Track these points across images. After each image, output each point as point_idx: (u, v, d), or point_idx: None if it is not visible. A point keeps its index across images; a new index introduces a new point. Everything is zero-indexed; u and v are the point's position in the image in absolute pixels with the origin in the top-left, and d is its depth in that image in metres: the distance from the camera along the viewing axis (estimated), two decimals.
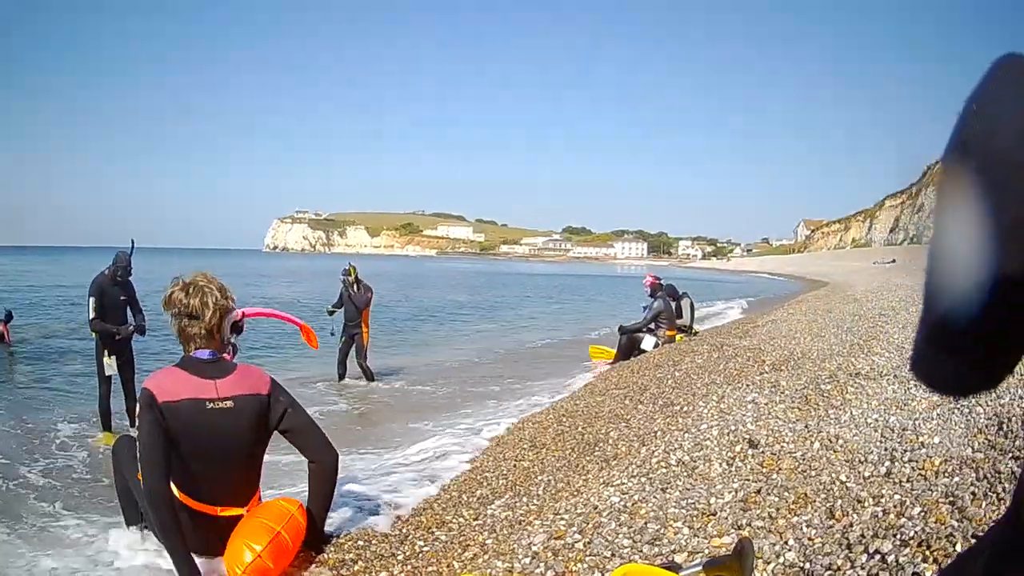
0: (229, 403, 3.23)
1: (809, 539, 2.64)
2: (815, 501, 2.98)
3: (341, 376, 10.32)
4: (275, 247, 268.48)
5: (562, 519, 3.46)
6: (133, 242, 7.45)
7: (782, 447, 3.83)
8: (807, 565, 2.45)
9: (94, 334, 7.09)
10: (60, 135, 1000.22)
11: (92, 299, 6.97)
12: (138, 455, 3.07)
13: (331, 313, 10.45)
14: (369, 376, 10.19)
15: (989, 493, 2.62)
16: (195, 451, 3.19)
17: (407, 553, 3.58)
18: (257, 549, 3.21)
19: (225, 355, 3.38)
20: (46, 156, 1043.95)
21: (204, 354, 3.29)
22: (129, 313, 7.29)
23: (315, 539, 3.59)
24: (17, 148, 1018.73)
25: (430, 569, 3.34)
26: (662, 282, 11.59)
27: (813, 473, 3.35)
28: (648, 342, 10.65)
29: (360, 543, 3.73)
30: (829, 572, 2.37)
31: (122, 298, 7.18)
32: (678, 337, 11.08)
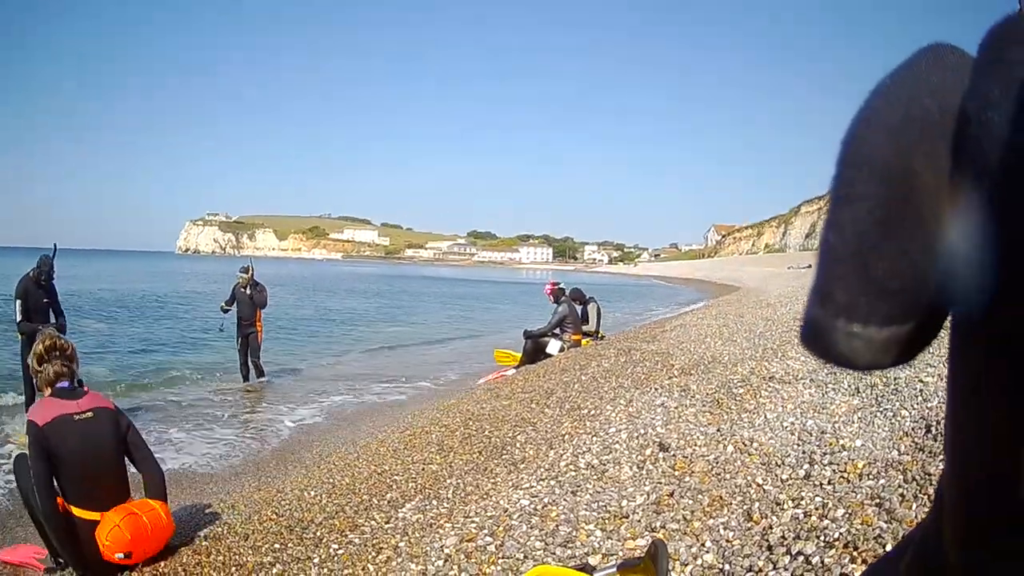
0: (89, 414, 3.85)
1: (727, 541, 2.73)
2: (731, 504, 3.07)
3: (245, 377, 10.36)
4: (187, 249, 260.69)
5: (473, 522, 3.58)
6: (55, 246, 7.60)
7: (694, 450, 3.95)
8: (727, 567, 2.55)
9: (20, 335, 7.28)
10: None
11: (18, 301, 7.20)
12: (32, 479, 3.67)
13: (225, 311, 10.43)
14: (260, 372, 10.27)
15: (920, 495, 2.67)
16: (72, 459, 3.73)
17: (323, 556, 3.65)
18: (116, 519, 3.73)
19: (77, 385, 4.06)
20: None
21: (66, 384, 3.95)
22: (51, 314, 7.46)
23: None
24: None
25: (346, 572, 3.42)
26: (563, 287, 11.66)
27: (727, 476, 3.44)
28: (553, 346, 10.71)
29: (276, 546, 3.81)
30: (751, 574, 2.47)
31: (45, 300, 7.36)
32: (584, 342, 11.15)
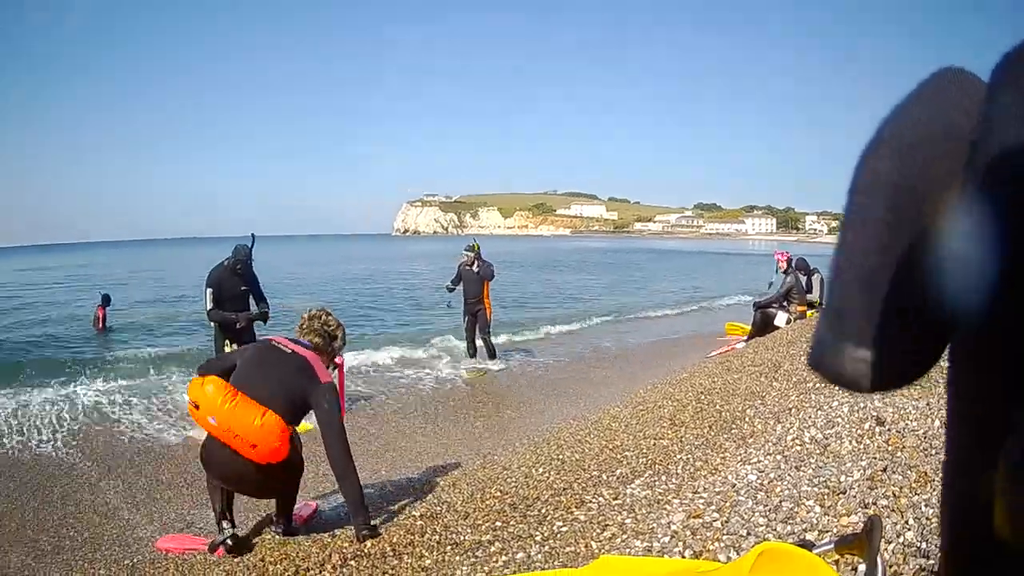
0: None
1: (927, 518, 2.56)
2: (934, 480, 2.87)
3: (472, 354, 10.49)
4: (405, 231, 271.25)
5: (701, 498, 3.47)
6: (253, 235, 7.88)
7: (906, 424, 3.71)
8: (923, 545, 2.40)
9: (213, 324, 7.54)
10: (174, 128, 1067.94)
11: (209, 290, 7.38)
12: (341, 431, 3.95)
13: (450, 290, 10.54)
14: (491, 352, 10.34)
15: None
16: None
17: (545, 534, 3.63)
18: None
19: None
20: (160, 149, 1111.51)
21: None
22: (252, 301, 7.67)
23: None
24: (118, 144, 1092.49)
25: (568, 549, 3.38)
26: (792, 257, 11.30)
27: (933, 451, 3.23)
28: (780, 318, 10.45)
29: (498, 524, 3.84)
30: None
31: (242, 288, 7.54)
32: (808, 313, 10.75)
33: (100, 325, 15.32)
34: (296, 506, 4.37)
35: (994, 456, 0.52)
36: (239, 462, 3.80)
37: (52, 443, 6.65)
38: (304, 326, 4.23)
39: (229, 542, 3.95)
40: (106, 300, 15.77)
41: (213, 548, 3.96)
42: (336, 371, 4.29)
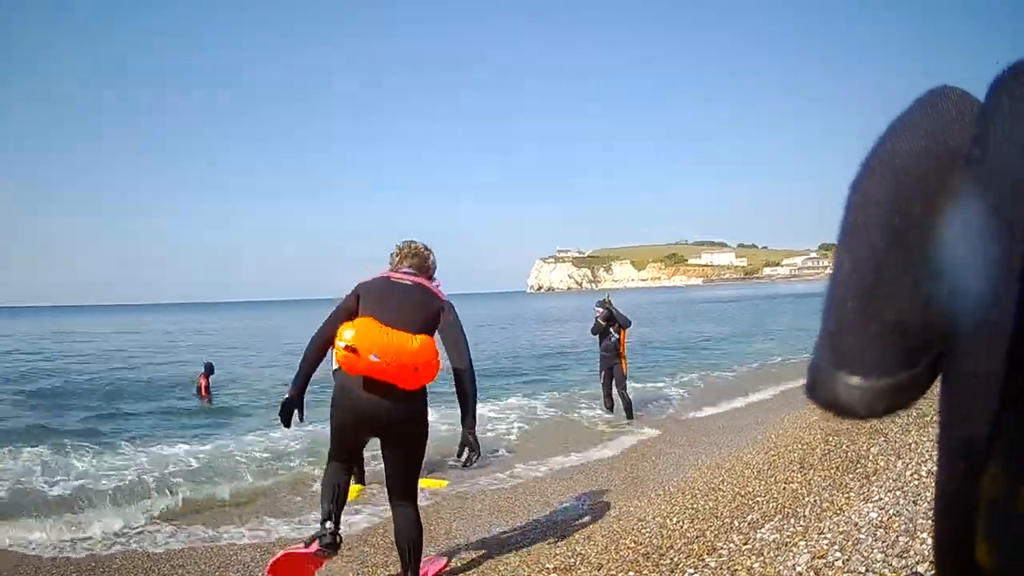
0: None
1: None
2: None
3: (610, 408, 10.49)
4: (539, 287, 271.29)
5: (825, 538, 3.53)
6: None
7: None
8: None
9: None
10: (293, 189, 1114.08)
11: None
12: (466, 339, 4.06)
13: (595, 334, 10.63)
14: (628, 407, 10.23)
15: None
16: None
17: None
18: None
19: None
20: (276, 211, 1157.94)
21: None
22: None
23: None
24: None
25: None
26: None
27: None
28: None
29: (631, 574, 3.93)
30: None
31: None
32: None
33: (204, 394, 14.55)
34: (424, 562, 4.38)
35: (976, 486, 0.55)
36: (390, 397, 3.88)
37: None
38: (398, 255, 4.41)
39: (327, 538, 4.08)
40: (209, 369, 15.09)
41: (309, 541, 4.08)
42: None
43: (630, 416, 10.09)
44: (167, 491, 6.67)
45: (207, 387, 14.59)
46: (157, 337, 39.29)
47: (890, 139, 0.62)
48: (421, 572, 4.23)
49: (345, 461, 4.29)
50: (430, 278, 4.42)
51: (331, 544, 4.15)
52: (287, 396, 4.03)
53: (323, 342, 4.01)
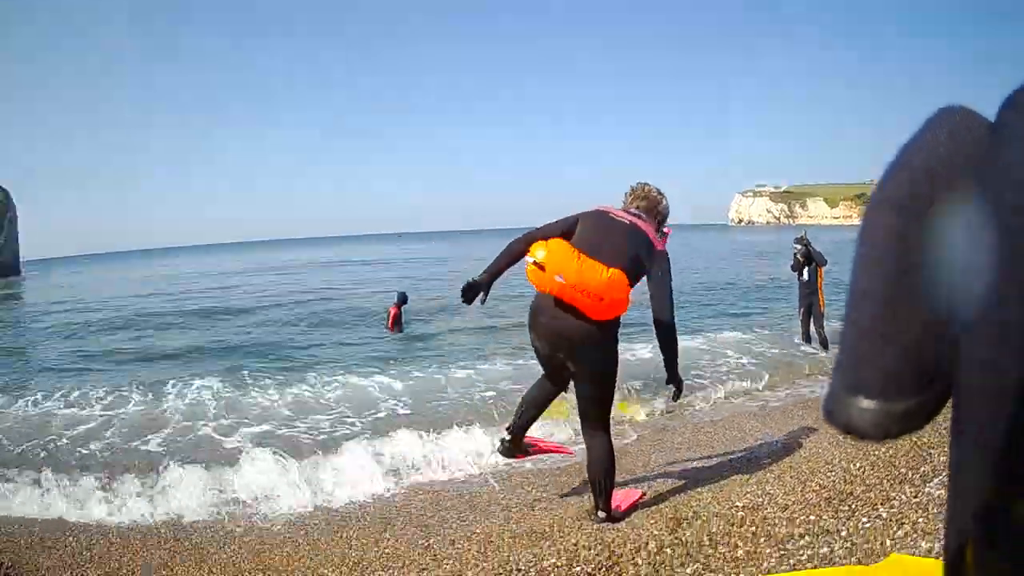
0: None
1: None
2: None
3: (807, 340, 10.62)
4: (740, 220, 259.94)
5: None
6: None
7: None
8: None
9: None
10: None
11: None
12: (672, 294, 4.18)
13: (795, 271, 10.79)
14: (824, 342, 10.25)
15: None
16: None
17: (850, 529, 3.78)
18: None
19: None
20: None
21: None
22: None
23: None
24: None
25: (865, 546, 3.53)
26: None
27: None
28: None
29: (811, 518, 3.99)
30: None
31: None
32: None
33: (392, 325, 14.78)
34: (619, 494, 4.55)
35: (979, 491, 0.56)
36: (577, 320, 3.95)
37: None
38: (630, 195, 4.45)
39: (500, 446, 4.72)
40: (402, 299, 15.10)
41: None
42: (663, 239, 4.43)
43: (825, 347, 10.12)
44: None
45: (396, 317, 14.78)
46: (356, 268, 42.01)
47: (899, 168, 0.64)
48: (615, 504, 4.42)
49: (548, 379, 4.55)
50: (659, 223, 4.44)
51: (503, 451, 4.74)
52: (474, 279, 4.25)
53: (527, 243, 4.12)
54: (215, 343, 14.85)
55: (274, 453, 6.07)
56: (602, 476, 4.29)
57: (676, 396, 4.31)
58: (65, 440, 7.44)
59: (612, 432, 4.35)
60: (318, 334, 15.51)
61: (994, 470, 0.55)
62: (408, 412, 7.95)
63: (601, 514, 4.35)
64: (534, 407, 4.65)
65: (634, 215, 4.25)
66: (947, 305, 0.58)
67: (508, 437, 4.70)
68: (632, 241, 4.08)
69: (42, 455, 6.98)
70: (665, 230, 4.42)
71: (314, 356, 12.62)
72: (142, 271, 58.18)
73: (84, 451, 7.03)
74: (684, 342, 9.76)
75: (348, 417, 7.84)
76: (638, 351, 9.80)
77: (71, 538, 4.83)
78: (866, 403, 0.62)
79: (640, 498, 4.72)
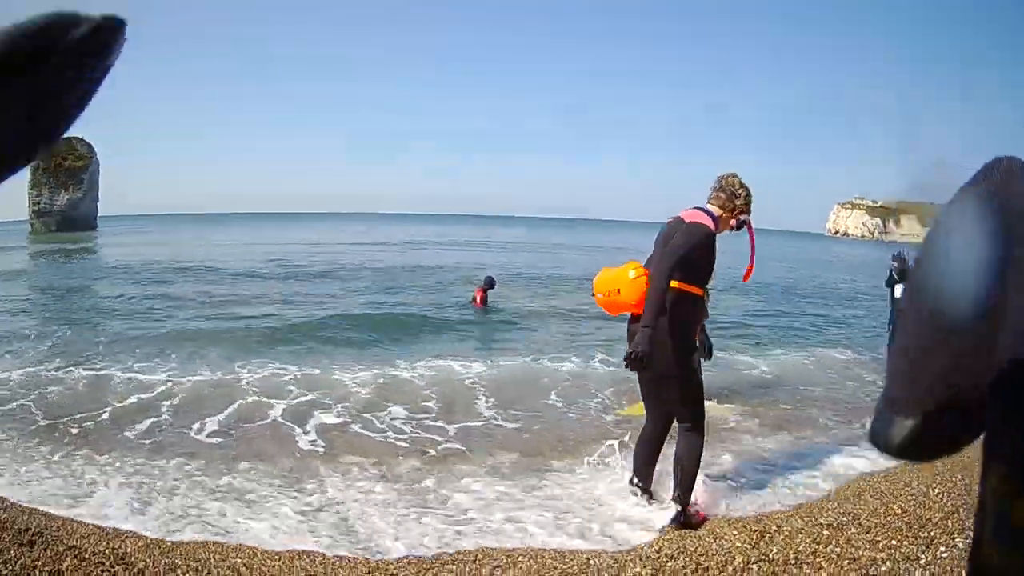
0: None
1: None
2: None
3: None
4: (836, 231, 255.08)
5: None
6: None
7: None
8: None
9: None
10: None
11: None
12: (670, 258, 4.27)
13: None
14: None
15: None
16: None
17: (928, 558, 3.81)
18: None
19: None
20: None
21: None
22: None
23: None
24: None
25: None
26: None
27: None
28: None
29: (893, 543, 4.00)
30: None
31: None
32: None
33: (479, 303, 15.02)
34: (699, 504, 4.67)
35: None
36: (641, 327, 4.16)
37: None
38: (714, 186, 4.59)
39: (632, 489, 4.79)
40: (489, 283, 15.29)
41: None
42: (745, 229, 4.62)
43: None
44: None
45: (483, 299, 15.16)
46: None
47: (951, 209, 0.61)
48: (693, 511, 4.59)
49: (649, 413, 4.76)
50: (736, 211, 4.56)
51: (635, 492, 4.82)
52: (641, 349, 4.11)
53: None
54: (296, 314, 14.79)
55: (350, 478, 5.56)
56: (681, 470, 4.50)
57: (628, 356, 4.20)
58: (117, 414, 7.33)
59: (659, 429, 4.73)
60: (403, 316, 15.04)
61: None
62: (509, 424, 7.32)
63: (676, 507, 4.52)
64: (644, 454, 4.88)
65: (700, 209, 4.43)
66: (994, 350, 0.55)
67: (633, 481, 4.86)
68: (671, 234, 4.34)
69: (90, 427, 6.90)
70: (743, 218, 4.57)
71: (400, 338, 12.36)
72: (224, 236, 59.08)
73: (131, 432, 6.79)
74: (790, 356, 10.55)
75: (436, 419, 7.36)
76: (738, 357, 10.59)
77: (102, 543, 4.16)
78: (908, 422, 0.58)
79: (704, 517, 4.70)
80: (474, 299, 15.37)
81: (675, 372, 4.36)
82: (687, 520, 4.49)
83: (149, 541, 4.19)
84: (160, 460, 5.95)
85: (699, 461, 4.51)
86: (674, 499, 4.54)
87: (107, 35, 0.43)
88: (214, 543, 4.23)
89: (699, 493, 4.79)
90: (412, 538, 4.48)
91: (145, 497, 5.09)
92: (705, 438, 4.62)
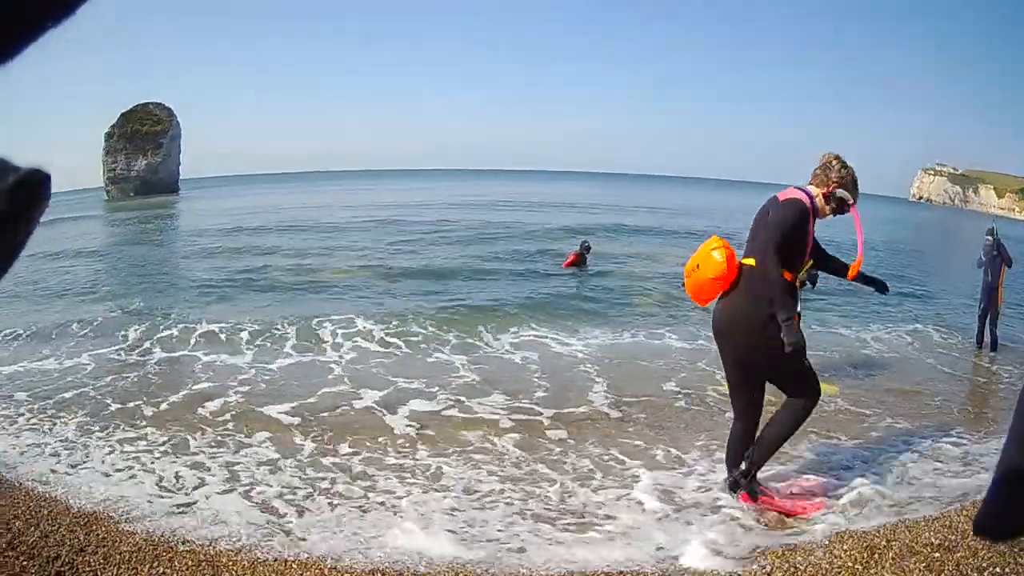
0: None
1: None
2: None
3: (979, 343, 10.03)
4: (920, 197, 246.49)
5: None
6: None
7: None
8: None
9: None
10: None
11: None
12: (775, 231, 4.24)
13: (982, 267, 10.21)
14: (994, 344, 9.84)
15: None
16: None
17: None
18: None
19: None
20: None
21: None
22: None
23: None
24: None
25: None
26: None
27: None
28: None
29: (996, 570, 3.86)
30: None
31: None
32: None
33: (569, 263, 15.10)
34: (803, 500, 4.60)
35: None
36: (730, 308, 4.26)
37: None
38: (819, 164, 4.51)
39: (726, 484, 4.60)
40: (584, 247, 15.41)
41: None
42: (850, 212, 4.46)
43: (993, 350, 9.79)
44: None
45: (575, 261, 15.18)
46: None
47: None
48: (798, 504, 4.54)
49: (736, 407, 4.52)
50: (830, 189, 4.41)
51: (730, 488, 4.60)
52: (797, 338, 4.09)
53: None
54: (380, 279, 14.67)
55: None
56: (765, 434, 4.43)
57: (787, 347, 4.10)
58: (191, 395, 7.24)
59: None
60: (492, 275, 15.31)
61: None
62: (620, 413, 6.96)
63: (742, 467, 4.45)
64: (734, 448, 4.61)
65: (799, 187, 4.40)
66: None
67: (728, 477, 4.64)
68: (764, 212, 4.31)
69: (164, 407, 6.83)
70: (839, 192, 4.41)
71: (488, 302, 12.16)
72: (305, 195, 59.75)
73: (195, 415, 6.65)
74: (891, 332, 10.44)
75: (543, 409, 6.95)
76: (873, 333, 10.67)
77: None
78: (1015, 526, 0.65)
79: (817, 508, 4.59)
80: (568, 258, 15.40)
81: (779, 353, 4.15)
82: (748, 488, 4.46)
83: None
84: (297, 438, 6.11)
85: (792, 430, 4.40)
86: (746, 456, 4.42)
87: (27, 194, 0.38)
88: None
89: (802, 484, 4.82)
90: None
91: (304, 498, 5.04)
92: (810, 415, 4.49)
